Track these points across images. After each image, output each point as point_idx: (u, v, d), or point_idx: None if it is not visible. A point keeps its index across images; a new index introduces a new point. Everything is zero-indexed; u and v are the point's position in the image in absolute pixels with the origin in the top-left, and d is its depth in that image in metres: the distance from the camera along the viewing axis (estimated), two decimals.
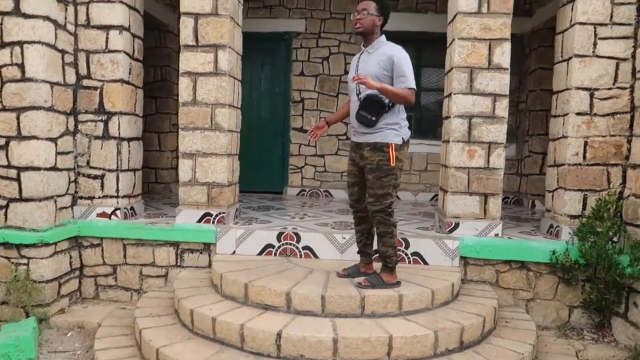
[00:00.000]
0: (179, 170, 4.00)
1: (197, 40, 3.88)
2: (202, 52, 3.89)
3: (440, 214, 4.08)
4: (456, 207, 3.84)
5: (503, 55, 3.72)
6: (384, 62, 2.97)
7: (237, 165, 4.33)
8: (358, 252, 3.39)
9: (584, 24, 3.67)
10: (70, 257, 3.92)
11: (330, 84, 6.44)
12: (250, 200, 5.79)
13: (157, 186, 6.28)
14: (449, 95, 3.91)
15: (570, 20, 3.79)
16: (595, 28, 3.67)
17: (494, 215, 3.82)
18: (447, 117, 3.95)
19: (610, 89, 3.69)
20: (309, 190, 6.51)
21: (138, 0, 4.23)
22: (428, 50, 6.31)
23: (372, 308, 3.02)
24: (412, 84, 2.96)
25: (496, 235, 3.81)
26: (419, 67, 6.20)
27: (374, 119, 2.98)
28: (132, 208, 4.26)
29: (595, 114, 3.71)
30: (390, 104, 2.99)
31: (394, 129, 3.01)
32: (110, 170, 4.05)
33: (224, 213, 3.98)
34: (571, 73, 3.74)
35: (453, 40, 3.84)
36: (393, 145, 2.99)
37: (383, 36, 3.10)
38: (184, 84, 3.93)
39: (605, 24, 3.66)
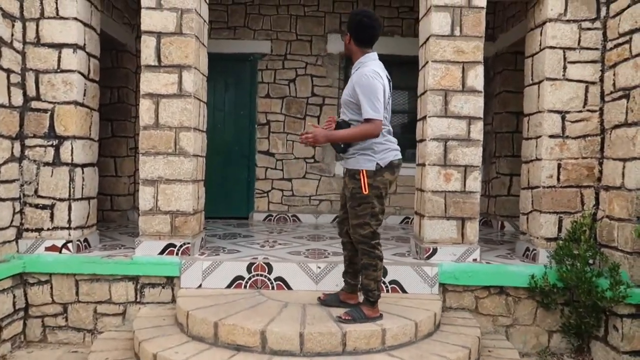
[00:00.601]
0: (140, 198, 3.70)
1: (159, 60, 3.66)
2: (165, 72, 3.66)
3: (417, 239, 3.95)
4: (434, 232, 3.73)
5: (476, 78, 3.70)
6: (350, 88, 2.84)
7: (202, 191, 4.07)
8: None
9: (554, 47, 3.72)
10: (14, 296, 3.52)
11: (297, 106, 6.31)
12: (215, 227, 5.50)
13: (113, 214, 5.88)
14: (424, 118, 3.83)
15: (540, 45, 3.83)
16: (564, 52, 3.72)
17: (472, 240, 3.73)
18: (422, 140, 3.87)
19: (580, 111, 3.73)
20: (276, 215, 6.28)
21: (94, 17, 3.97)
22: (394, 72, 6.22)
23: (354, 344, 2.82)
24: (370, 114, 2.71)
25: (474, 260, 3.71)
26: None
27: (342, 146, 2.89)
28: (85, 240, 3.90)
29: (567, 137, 3.74)
30: None
31: (366, 154, 2.84)
32: (61, 200, 3.71)
33: (189, 243, 3.70)
34: (543, 96, 3.76)
35: (426, 62, 3.79)
36: (364, 171, 2.82)
37: (366, 55, 2.90)
38: (145, 106, 3.67)
39: (574, 48, 3.72)
